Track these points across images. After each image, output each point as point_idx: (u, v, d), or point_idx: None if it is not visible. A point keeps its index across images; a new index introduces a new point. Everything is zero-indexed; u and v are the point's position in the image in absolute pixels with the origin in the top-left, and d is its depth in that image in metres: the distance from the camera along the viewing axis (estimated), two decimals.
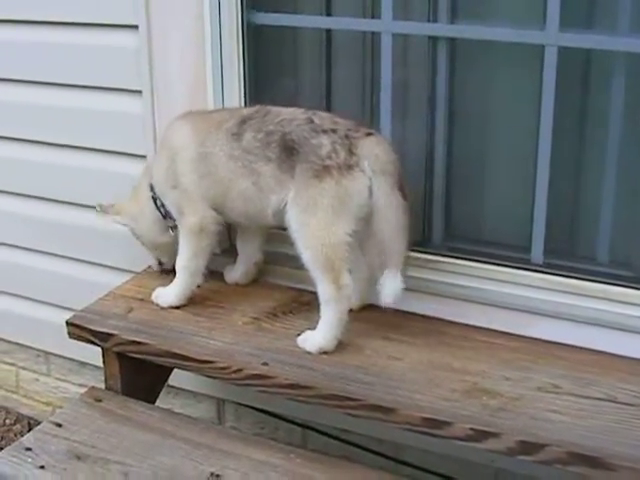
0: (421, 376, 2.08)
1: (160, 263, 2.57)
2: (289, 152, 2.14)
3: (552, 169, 2.21)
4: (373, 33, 2.39)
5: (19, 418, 3.38)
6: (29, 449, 2.07)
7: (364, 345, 2.20)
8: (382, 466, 2.46)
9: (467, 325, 2.31)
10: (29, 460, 2.04)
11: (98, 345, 2.33)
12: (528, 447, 1.84)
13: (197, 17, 2.44)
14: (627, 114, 2.17)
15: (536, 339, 2.23)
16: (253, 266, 2.52)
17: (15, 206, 3.02)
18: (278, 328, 2.31)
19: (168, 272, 2.50)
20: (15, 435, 3.23)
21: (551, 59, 2.13)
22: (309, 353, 2.16)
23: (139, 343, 2.27)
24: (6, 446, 2.18)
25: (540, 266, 2.26)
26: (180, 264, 2.37)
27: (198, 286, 2.40)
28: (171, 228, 2.44)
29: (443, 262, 2.34)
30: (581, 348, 2.18)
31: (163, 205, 2.42)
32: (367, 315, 2.31)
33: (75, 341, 2.37)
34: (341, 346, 2.17)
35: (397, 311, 2.33)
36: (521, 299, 2.25)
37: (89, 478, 1.98)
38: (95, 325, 2.34)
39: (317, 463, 2.03)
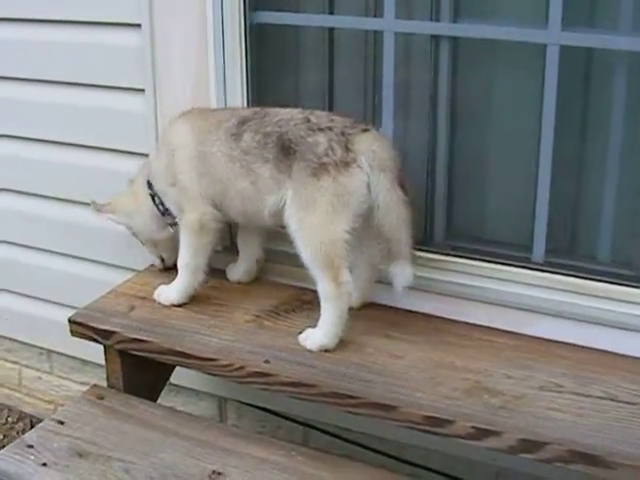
0: (422, 374, 2.08)
1: (162, 260, 2.58)
2: (286, 152, 2.14)
3: (554, 168, 2.21)
4: (375, 32, 2.39)
5: (21, 416, 3.39)
6: (31, 446, 2.08)
7: (365, 343, 2.21)
8: (383, 465, 2.46)
9: (468, 324, 2.31)
10: (31, 457, 2.05)
11: (100, 343, 2.34)
12: (529, 445, 1.84)
13: (200, 16, 2.45)
14: (629, 113, 2.18)
15: (537, 338, 2.24)
16: (255, 264, 2.53)
17: (18, 204, 3.02)
18: (280, 326, 2.32)
19: (170, 270, 2.51)
20: (17, 433, 3.24)
21: (553, 58, 2.13)
22: (310, 351, 2.17)
23: (141, 341, 2.27)
24: (8, 444, 2.18)
25: (541, 265, 2.26)
26: (181, 262, 2.37)
27: (201, 283, 2.41)
28: (170, 225, 2.45)
29: (445, 261, 2.34)
30: (582, 347, 2.19)
31: (162, 202, 2.42)
32: (368, 313, 2.32)
33: (77, 339, 2.38)
34: (342, 344, 2.17)
35: (399, 309, 2.35)
36: (522, 298, 2.25)
37: (91, 475, 1.98)
38: (97, 323, 2.34)
39: (318, 461, 2.03)
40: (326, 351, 2.16)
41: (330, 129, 2.12)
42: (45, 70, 2.78)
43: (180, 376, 2.55)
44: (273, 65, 2.57)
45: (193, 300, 2.42)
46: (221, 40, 2.45)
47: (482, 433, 1.88)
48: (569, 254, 2.31)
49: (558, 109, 2.16)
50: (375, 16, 2.39)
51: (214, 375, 2.25)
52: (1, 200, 3.06)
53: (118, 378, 2.34)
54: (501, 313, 2.28)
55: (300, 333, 2.21)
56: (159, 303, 2.42)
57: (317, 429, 2.68)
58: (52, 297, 3.03)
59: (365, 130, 2.14)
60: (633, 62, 2.13)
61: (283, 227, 2.20)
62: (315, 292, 2.18)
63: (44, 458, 2.04)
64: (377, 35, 2.39)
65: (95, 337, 2.34)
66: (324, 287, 2.12)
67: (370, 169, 2.09)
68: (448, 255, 2.35)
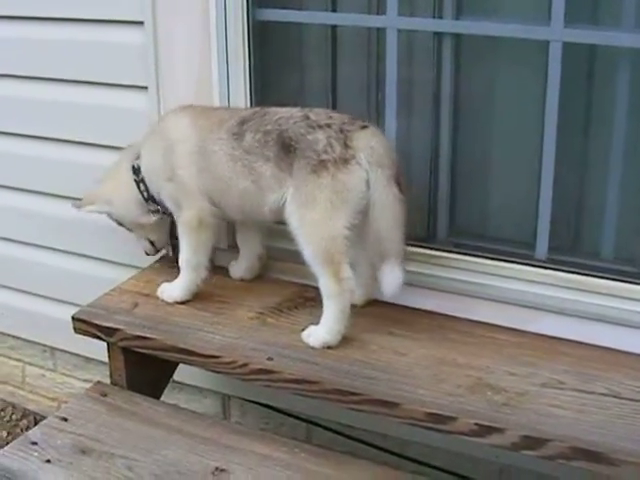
0: (425, 371, 2.08)
1: (152, 244, 2.55)
2: (286, 150, 2.14)
3: (557, 165, 2.21)
4: (378, 29, 2.40)
5: (25, 414, 3.40)
6: (35, 443, 2.09)
7: (369, 340, 2.21)
8: (386, 461, 2.47)
9: (471, 321, 2.31)
10: (35, 454, 2.05)
11: (104, 340, 2.34)
12: (532, 442, 1.84)
13: (203, 13, 2.45)
14: (632, 110, 2.17)
15: (540, 335, 2.24)
16: (257, 261, 2.53)
17: (20, 202, 3.02)
18: (283, 323, 2.32)
19: (174, 266, 2.51)
20: (21, 430, 3.24)
21: (556, 55, 2.13)
22: (313, 348, 2.17)
23: (144, 338, 2.27)
24: (12, 441, 2.18)
25: (544, 262, 2.26)
26: (183, 259, 2.38)
27: (204, 280, 2.41)
28: (152, 212, 2.44)
29: (448, 258, 2.34)
30: (585, 344, 2.18)
31: (147, 189, 2.41)
32: (371, 310, 2.32)
33: (81, 336, 2.38)
34: (346, 341, 2.17)
35: (402, 307, 2.34)
36: (525, 295, 2.25)
37: (94, 472, 1.99)
38: (101, 320, 2.34)
39: (322, 458, 2.03)
40: (329, 348, 2.16)
41: (329, 126, 2.12)
42: (48, 68, 2.78)
43: (183, 373, 2.55)
44: (276, 62, 2.58)
45: (196, 297, 2.42)
46: (224, 37, 2.45)
47: (485, 430, 1.88)
48: (572, 251, 2.31)
49: (561, 106, 2.16)
50: (378, 13, 2.39)
51: (217, 372, 2.25)
52: (4, 197, 3.07)
53: (121, 375, 2.34)
54: (504, 310, 2.28)
55: (303, 330, 2.22)
56: (162, 300, 2.42)
57: (320, 426, 2.69)
58: (55, 295, 3.04)
59: (363, 127, 2.14)
60: (636, 59, 2.12)
61: (282, 223, 2.21)
62: (318, 289, 2.18)
63: (48, 455, 2.05)
64: (380, 32, 2.39)
65: (99, 334, 2.34)
66: (325, 283, 2.13)
67: (369, 165, 2.09)
68: (451, 252, 2.35)
